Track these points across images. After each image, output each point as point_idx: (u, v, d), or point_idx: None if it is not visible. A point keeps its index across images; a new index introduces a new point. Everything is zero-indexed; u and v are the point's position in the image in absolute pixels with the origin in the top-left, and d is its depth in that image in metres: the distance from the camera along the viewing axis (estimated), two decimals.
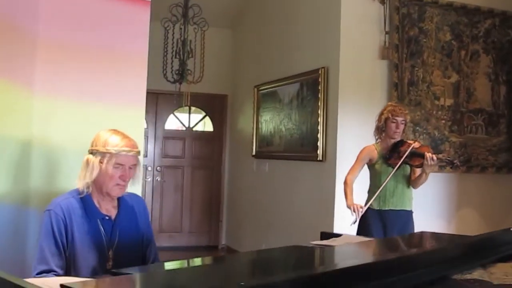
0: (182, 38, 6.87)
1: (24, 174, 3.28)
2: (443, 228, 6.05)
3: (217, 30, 7.98)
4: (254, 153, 7.47)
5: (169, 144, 8.25)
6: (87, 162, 2.68)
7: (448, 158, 4.52)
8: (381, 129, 4.69)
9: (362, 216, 4.71)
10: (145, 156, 8.04)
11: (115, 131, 2.76)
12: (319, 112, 5.96)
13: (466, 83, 6.17)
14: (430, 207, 6.02)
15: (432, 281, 1.66)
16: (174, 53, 6.88)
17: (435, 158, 4.35)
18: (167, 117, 8.28)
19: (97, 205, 2.75)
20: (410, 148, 4.46)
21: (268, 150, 7.16)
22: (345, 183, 4.69)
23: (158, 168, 8.15)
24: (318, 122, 5.96)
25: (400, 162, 4.46)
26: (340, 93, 5.75)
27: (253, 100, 7.47)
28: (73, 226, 2.66)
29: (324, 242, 2.68)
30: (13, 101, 3.23)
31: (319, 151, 5.94)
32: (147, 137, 8.11)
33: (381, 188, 4.45)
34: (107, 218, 2.74)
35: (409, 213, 4.68)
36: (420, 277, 1.70)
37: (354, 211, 4.37)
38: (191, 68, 6.93)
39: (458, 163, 4.53)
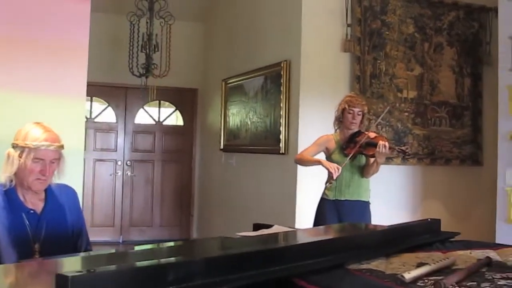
0: (148, 32, 6.84)
1: None
2: (406, 219, 6.05)
3: (186, 24, 7.96)
4: (222, 146, 7.46)
5: (139, 138, 8.22)
6: (8, 156, 2.64)
7: (401, 148, 4.52)
8: (339, 120, 4.70)
9: (318, 206, 4.74)
10: (115, 150, 8.03)
11: (38, 125, 2.71)
12: (281, 105, 5.95)
13: (430, 75, 6.17)
14: (394, 199, 6.04)
15: (321, 270, 1.64)
16: (139, 47, 6.85)
17: (387, 145, 4.35)
18: (137, 111, 8.23)
19: (21, 198, 2.70)
20: (365, 137, 4.47)
21: (235, 143, 7.15)
22: (299, 158, 4.76)
23: (128, 162, 8.12)
24: (281, 115, 5.95)
25: (353, 151, 4.47)
26: (302, 86, 5.74)
27: (221, 93, 7.45)
28: None
29: (251, 233, 2.67)
30: None
31: (282, 144, 5.93)
32: (117, 131, 8.08)
33: (344, 163, 4.43)
34: (31, 211, 2.70)
35: (366, 204, 4.69)
36: (313, 265, 1.69)
37: (333, 169, 4.34)
38: (157, 62, 6.91)
39: (409, 152, 4.54)
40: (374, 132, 4.82)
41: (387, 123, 5.92)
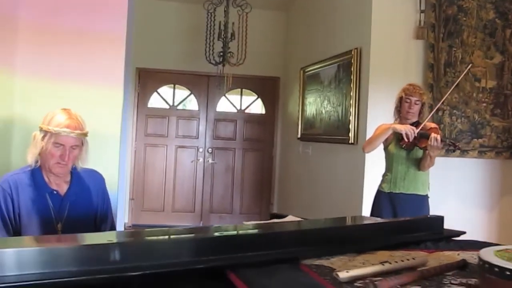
0: (225, 20, 6.90)
1: (6, 151, 3.43)
2: (482, 217, 5.77)
3: (267, 13, 7.97)
4: (299, 135, 7.41)
5: (220, 126, 8.33)
6: (33, 138, 2.77)
7: (452, 141, 4.29)
8: (398, 110, 4.57)
9: (374, 198, 4.63)
10: (197, 137, 8.17)
11: (64, 111, 2.80)
12: (351, 94, 5.82)
13: None
14: (469, 195, 5.76)
15: (262, 263, 1.60)
16: (216, 35, 6.92)
17: (439, 139, 4.15)
18: (218, 100, 8.33)
19: (46, 179, 2.82)
20: (419, 129, 4.29)
21: (311, 132, 7.08)
22: (367, 142, 4.65)
23: (209, 149, 8.25)
24: (350, 104, 5.83)
25: (407, 143, 4.31)
26: (372, 75, 5.58)
27: (299, 82, 7.40)
28: (20, 201, 2.75)
29: (260, 222, 2.64)
30: None
31: (351, 134, 5.81)
32: (199, 119, 8.23)
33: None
34: (55, 192, 2.82)
35: (423, 197, 4.51)
36: (266, 256, 1.65)
37: (407, 132, 4.20)
38: (234, 51, 6.96)
39: (459, 146, 4.31)
40: (433, 123, 4.61)
41: (462, 114, 5.64)
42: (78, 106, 3.26)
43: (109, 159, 3.47)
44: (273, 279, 1.50)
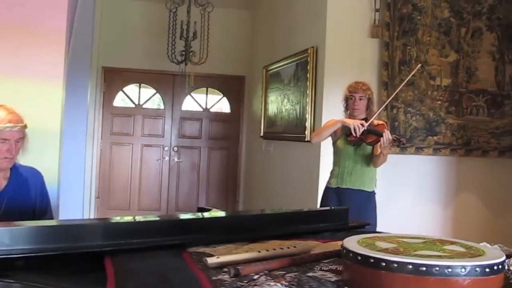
0: (187, 20, 6.93)
1: None
2: (437, 213, 5.84)
3: (231, 11, 8.01)
4: (262, 134, 7.45)
5: (186, 124, 8.35)
6: None
7: (397, 137, 4.35)
8: (345, 107, 4.63)
9: (323, 193, 4.68)
10: (162, 136, 8.19)
11: (1, 107, 2.86)
12: (307, 92, 5.87)
13: (467, 62, 5.86)
14: (425, 191, 5.82)
15: (155, 248, 1.66)
16: (178, 34, 6.95)
17: (390, 137, 4.21)
18: (184, 98, 8.35)
19: None
20: (367, 124, 4.35)
21: (273, 130, 7.13)
22: (315, 133, 4.79)
23: (174, 148, 8.27)
24: (307, 102, 5.87)
25: (354, 139, 4.36)
26: (326, 73, 5.63)
27: (262, 81, 7.44)
28: None
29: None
30: None
31: (307, 132, 5.85)
32: (164, 117, 8.25)
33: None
34: None
35: (369, 194, 4.58)
36: (153, 243, 1.71)
37: (355, 127, 4.25)
38: (196, 50, 6.99)
39: (404, 141, 4.38)
40: (380, 120, 4.67)
41: (417, 111, 5.70)
42: (17, 102, 3.29)
43: (49, 156, 3.49)
44: (144, 263, 1.55)
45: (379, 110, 4.63)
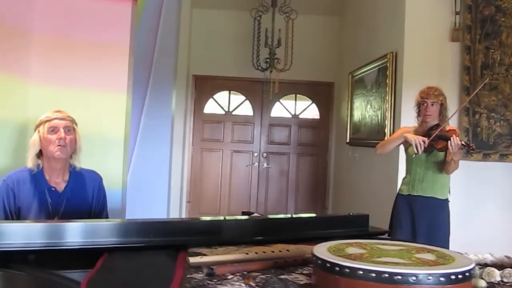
0: (272, 27, 7.03)
1: (21, 153, 3.71)
2: None
3: (320, 18, 8.04)
4: (348, 140, 7.41)
5: (275, 131, 8.45)
6: (30, 141, 3.08)
7: (466, 142, 4.21)
8: (418, 113, 4.55)
9: (395, 200, 4.61)
10: (251, 142, 8.34)
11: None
12: (387, 98, 5.80)
13: None
14: (509, 201, 5.56)
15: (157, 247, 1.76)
16: (261, 42, 7.07)
17: (458, 142, 4.10)
18: (273, 105, 8.46)
19: (47, 177, 3.12)
20: (438, 131, 4.26)
21: (357, 137, 7.07)
22: (380, 144, 4.75)
23: (264, 154, 8.39)
24: (386, 108, 5.80)
25: (428, 141, 4.27)
26: (405, 79, 5.54)
27: (348, 87, 7.41)
28: (20, 195, 3.05)
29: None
30: (11, 89, 3.68)
31: (386, 138, 5.76)
32: (254, 124, 8.39)
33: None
34: (53, 189, 3.10)
35: (442, 201, 4.45)
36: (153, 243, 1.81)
37: (417, 144, 4.21)
38: (281, 57, 7.08)
39: (473, 147, 4.22)
40: (453, 126, 4.53)
41: (501, 117, 5.47)
42: (85, 112, 3.57)
43: (113, 160, 3.69)
44: (132, 260, 1.64)
45: (451, 117, 4.49)
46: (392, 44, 5.82)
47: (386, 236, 2.45)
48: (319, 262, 1.40)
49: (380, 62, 6.09)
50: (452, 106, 5.41)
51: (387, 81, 5.78)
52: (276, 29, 7.09)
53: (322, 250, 1.46)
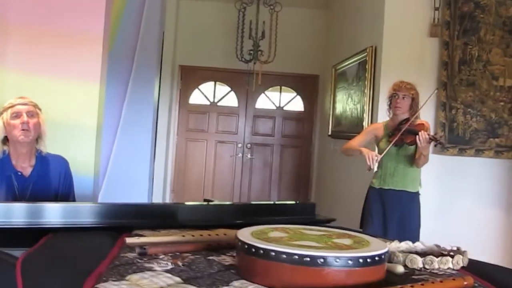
0: (256, 19, 7.09)
1: None
2: (498, 217, 5.65)
3: (307, 11, 8.09)
4: (330, 133, 7.48)
5: (259, 122, 8.51)
6: None
7: (434, 136, 4.28)
8: (389, 106, 4.62)
9: (366, 193, 4.67)
10: (236, 133, 8.40)
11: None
12: (365, 92, 5.86)
13: None
14: (486, 196, 5.64)
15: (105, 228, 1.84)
16: (245, 34, 7.13)
17: (426, 136, 4.16)
18: (258, 96, 8.51)
19: (13, 163, 3.17)
20: (407, 124, 4.32)
21: (339, 130, 7.14)
22: (344, 148, 4.80)
23: (248, 145, 8.45)
24: (365, 102, 5.87)
25: (394, 140, 4.35)
26: (384, 73, 5.60)
27: (331, 80, 7.47)
28: None
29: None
30: None
31: None
32: (238, 115, 8.45)
33: (384, 152, 4.34)
34: (19, 173, 3.15)
35: (412, 194, 4.51)
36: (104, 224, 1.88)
37: (369, 159, 4.28)
38: (265, 49, 7.14)
39: (442, 140, 4.29)
40: (422, 120, 4.58)
41: (478, 112, 5.54)
42: (59, 100, 3.62)
43: (86, 148, 3.75)
44: (71, 239, 1.72)
45: (418, 112, 4.52)
46: (372, 38, 5.88)
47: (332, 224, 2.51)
48: (240, 244, 1.46)
49: (361, 56, 6.15)
50: (430, 101, 5.49)
51: (366, 75, 5.84)
52: (261, 21, 7.13)
53: (245, 233, 1.53)
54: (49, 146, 3.33)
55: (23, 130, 3.09)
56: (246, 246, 1.43)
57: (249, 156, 8.46)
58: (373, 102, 5.77)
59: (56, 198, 3.28)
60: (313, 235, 1.60)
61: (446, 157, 5.51)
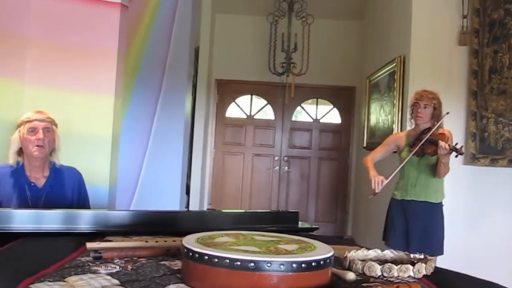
0: (288, 32, 7.11)
1: None
2: None
3: (338, 23, 8.06)
4: (365, 145, 7.41)
5: (296, 135, 8.50)
6: (12, 138, 3.23)
7: (455, 146, 4.16)
8: (411, 115, 4.54)
9: (388, 205, 4.61)
10: (272, 146, 8.41)
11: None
12: (394, 102, 5.79)
13: None
14: None
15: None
16: (278, 47, 7.16)
17: (446, 146, 4.07)
18: (294, 109, 8.51)
19: (27, 173, 3.26)
20: (428, 135, 4.24)
21: (373, 141, 7.04)
22: (364, 160, 4.73)
23: (284, 158, 8.45)
24: (394, 112, 5.80)
25: (415, 150, 4.28)
26: (412, 83, 5.52)
27: (365, 91, 7.41)
28: (1, 190, 3.20)
29: None
30: (7, 91, 3.87)
31: None
32: (275, 128, 8.46)
33: (396, 171, 4.30)
34: (32, 184, 3.24)
35: (435, 205, 4.40)
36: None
37: (374, 183, 4.26)
38: (297, 61, 7.15)
39: (462, 151, 4.16)
40: (444, 129, 4.48)
41: (510, 122, 5.40)
42: (74, 113, 3.72)
43: (100, 159, 3.84)
44: (36, 243, 1.78)
45: (439, 123, 4.40)
46: (400, 48, 5.82)
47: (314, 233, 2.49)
48: (182, 248, 1.47)
49: (391, 67, 6.08)
50: (460, 110, 5.40)
51: (395, 85, 5.78)
52: (293, 34, 7.15)
53: (190, 238, 1.54)
54: (65, 157, 3.43)
55: (38, 146, 3.18)
56: (185, 250, 1.45)
57: (286, 169, 8.45)
58: (402, 113, 5.70)
59: (70, 208, 3.35)
60: (262, 240, 1.60)
61: (477, 168, 5.39)
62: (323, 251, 1.49)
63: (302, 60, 7.17)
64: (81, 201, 3.43)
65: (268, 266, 1.35)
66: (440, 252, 4.39)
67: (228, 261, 1.35)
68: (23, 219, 1.97)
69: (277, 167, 8.45)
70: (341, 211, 8.51)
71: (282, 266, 1.35)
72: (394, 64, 5.86)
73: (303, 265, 1.38)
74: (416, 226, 4.40)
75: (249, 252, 1.41)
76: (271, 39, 7.23)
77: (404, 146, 4.50)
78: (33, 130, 3.18)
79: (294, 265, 1.37)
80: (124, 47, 4.06)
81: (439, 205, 4.44)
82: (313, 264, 1.40)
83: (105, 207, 3.88)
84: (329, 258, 1.46)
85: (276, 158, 8.46)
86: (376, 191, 4.25)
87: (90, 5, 3.91)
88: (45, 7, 3.91)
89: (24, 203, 3.21)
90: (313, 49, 7.34)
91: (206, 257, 1.38)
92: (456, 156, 4.20)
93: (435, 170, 4.35)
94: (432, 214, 4.41)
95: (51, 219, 2.00)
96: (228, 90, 8.44)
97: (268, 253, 1.43)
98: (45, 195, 3.26)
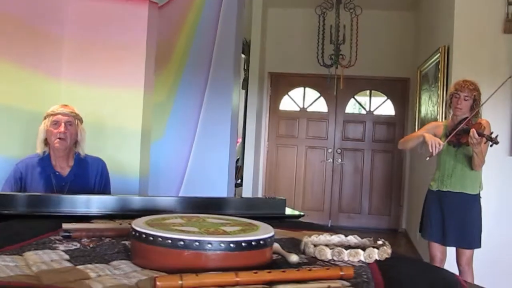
0: (336, 23, 7.12)
1: None
2: None
3: (395, 13, 7.98)
4: None
5: (349, 127, 8.48)
6: (39, 129, 3.45)
7: (489, 135, 4.05)
8: (449, 105, 4.47)
9: (425, 196, 4.56)
10: (326, 138, 8.43)
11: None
12: (439, 93, 5.71)
13: None
14: None
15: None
16: (328, 39, 7.17)
17: (476, 135, 3.99)
18: (348, 101, 8.49)
19: (53, 163, 3.46)
20: (464, 124, 4.18)
21: None
22: (402, 140, 4.74)
23: (338, 150, 8.45)
24: (438, 103, 5.72)
25: (448, 139, 4.22)
26: (456, 72, 5.43)
27: (416, 82, 7.31)
28: (28, 178, 3.42)
29: None
30: (46, 87, 4.10)
31: None
32: (328, 120, 8.47)
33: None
34: (57, 173, 3.44)
35: (472, 197, 4.30)
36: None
37: (431, 145, 4.19)
38: (345, 53, 7.14)
39: (497, 140, 4.04)
40: (482, 119, 4.37)
41: None
42: (106, 107, 3.90)
43: (130, 151, 4.01)
44: (20, 224, 1.92)
45: (474, 112, 4.31)
46: (444, 37, 5.73)
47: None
48: (131, 230, 1.57)
49: (436, 57, 5.99)
50: (505, 100, 5.27)
51: (439, 75, 5.69)
52: (341, 26, 7.14)
53: (140, 220, 1.63)
54: (97, 148, 3.64)
55: (59, 138, 3.37)
56: (131, 230, 1.54)
57: (339, 161, 8.45)
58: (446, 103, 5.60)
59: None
60: (211, 223, 1.67)
61: None
62: (262, 233, 1.55)
63: (351, 52, 7.15)
64: (102, 188, 3.60)
65: (196, 245, 1.42)
66: (478, 245, 4.30)
67: (160, 239, 1.44)
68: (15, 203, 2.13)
69: (331, 160, 8.45)
70: (395, 204, 8.43)
71: (209, 245, 1.42)
72: (438, 55, 5.77)
73: (231, 245, 1.45)
74: (452, 218, 4.33)
75: (186, 232, 1.49)
76: (319, 31, 7.24)
77: (441, 136, 4.42)
78: (56, 123, 3.36)
79: (222, 245, 1.43)
80: (154, 43, 4.20)
81: (477, 197, 4.34)
82: (243, 244, 1.46)
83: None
84: (261, 239, 1.51)
85: (330, 150, 8.47)
86: (434, 153, 4.18)
87: (119, 4, 4.08)
88: (78, 7, 4.11)
89: (49, 191, 3.39)
90: (362, 40, 7.30)
91: (144, 236, 1.48)
92: (491, 146, 4.10)
93: (471, 160, 4.27)
94: (468, 205, 4.31)
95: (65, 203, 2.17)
96: (281, 83, 8.51)
97: (203, 234, 1.50)
98: (69, 184, 3.44)
